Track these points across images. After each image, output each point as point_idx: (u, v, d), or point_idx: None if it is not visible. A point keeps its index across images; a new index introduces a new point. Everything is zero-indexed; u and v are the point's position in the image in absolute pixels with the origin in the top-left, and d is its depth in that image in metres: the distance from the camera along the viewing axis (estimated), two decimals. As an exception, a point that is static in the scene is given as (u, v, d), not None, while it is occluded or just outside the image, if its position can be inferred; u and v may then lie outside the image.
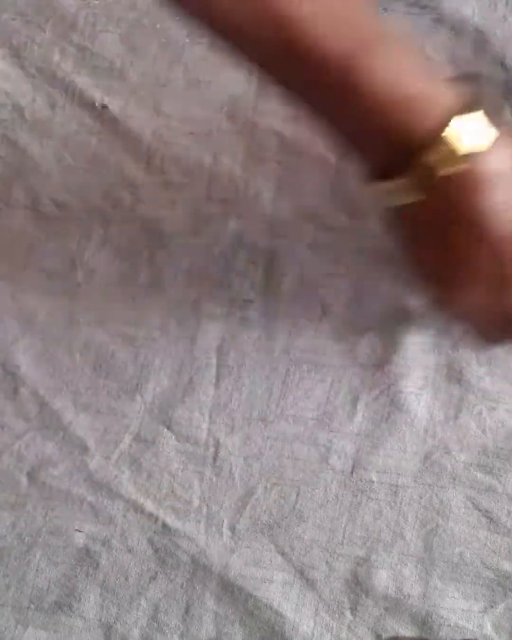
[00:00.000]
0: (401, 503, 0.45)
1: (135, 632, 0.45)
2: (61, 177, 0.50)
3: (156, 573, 0.46)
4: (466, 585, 0.45)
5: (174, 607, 0.45)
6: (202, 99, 0.50)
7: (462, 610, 0.45)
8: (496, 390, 0.46)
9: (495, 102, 0.35)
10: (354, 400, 0.47)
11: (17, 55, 0.51)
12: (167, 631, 0.45)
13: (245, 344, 0.47)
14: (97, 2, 0.51)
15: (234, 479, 0.46)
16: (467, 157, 0.31)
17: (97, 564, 0.46)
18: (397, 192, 0.33)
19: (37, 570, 0.46)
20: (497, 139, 0.32)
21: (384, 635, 0.44)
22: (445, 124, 0.31)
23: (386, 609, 0.45)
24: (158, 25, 0.51)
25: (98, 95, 0.51)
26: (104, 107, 0.50)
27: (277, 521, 0.46)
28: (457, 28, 0.49)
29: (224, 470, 0.46)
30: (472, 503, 0.45)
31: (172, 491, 0.46)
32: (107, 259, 0.49)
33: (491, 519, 0.45)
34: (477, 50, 0.49)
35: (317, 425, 0.47)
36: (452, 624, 0.44)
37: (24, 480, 0.47)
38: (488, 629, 0.44)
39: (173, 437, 0.47)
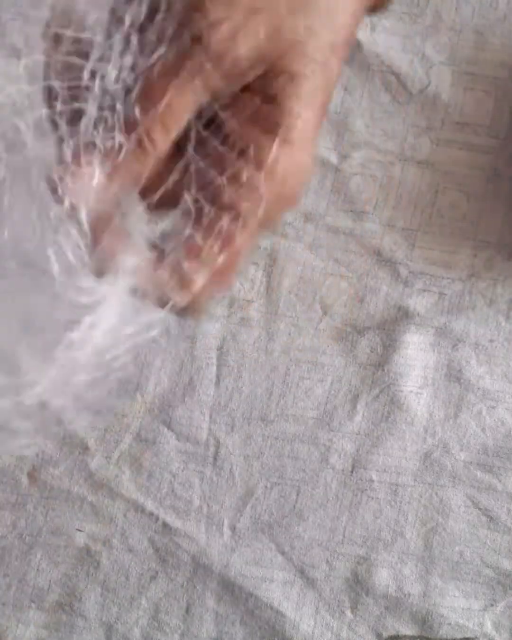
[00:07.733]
0: (401, 502, 0.46)
1: (136, 632, 0.45)
2: (61, 177, 0.50)
3: (157, 572, 0.46)
4: (466, 584, 0.45)
5: (174, 606, 0.45)
6: (202, 99, 0.50)
7: (463, 608, 0.45)
8: (496, 389, 0.46)
9: None
10: (354, 400, 0.47)
11: (17, 55, 0.51)
12: (167, 630, 0.45)
13: (245, 344, 0.47)
14: None
15: (234, 479, 0.46)
16: None
17: (98, 564, 0.46)
18: None
19: (37, 569, 0.46)
20: None
21: (384, 634, 0.45)
22: None
23: (387, 607, 0.45)
24: (158, 26, 0.51)
25: (98, 96, 0.50)
26: (104, 107, 0.50)
27: (278, 520, 0.46)
28: (457, 28, 0.49)
29: (225, 469, 0.46)
30: (472, 502, 0.45)
31: (173, 491, 0.46)
32: (107, 258, 0.49)
33: (491, 517, 0.45)
34: (478, 50, 0.49)
35: (317, 425, 0.47)
36: (452, 622, 0.44)
37: (24, 479, 0.47)
38: (488, 627, 0.44)
39: (173, 437, 0.47)
